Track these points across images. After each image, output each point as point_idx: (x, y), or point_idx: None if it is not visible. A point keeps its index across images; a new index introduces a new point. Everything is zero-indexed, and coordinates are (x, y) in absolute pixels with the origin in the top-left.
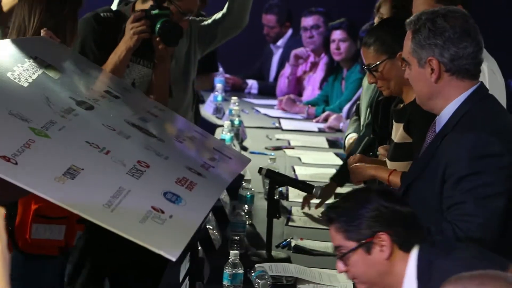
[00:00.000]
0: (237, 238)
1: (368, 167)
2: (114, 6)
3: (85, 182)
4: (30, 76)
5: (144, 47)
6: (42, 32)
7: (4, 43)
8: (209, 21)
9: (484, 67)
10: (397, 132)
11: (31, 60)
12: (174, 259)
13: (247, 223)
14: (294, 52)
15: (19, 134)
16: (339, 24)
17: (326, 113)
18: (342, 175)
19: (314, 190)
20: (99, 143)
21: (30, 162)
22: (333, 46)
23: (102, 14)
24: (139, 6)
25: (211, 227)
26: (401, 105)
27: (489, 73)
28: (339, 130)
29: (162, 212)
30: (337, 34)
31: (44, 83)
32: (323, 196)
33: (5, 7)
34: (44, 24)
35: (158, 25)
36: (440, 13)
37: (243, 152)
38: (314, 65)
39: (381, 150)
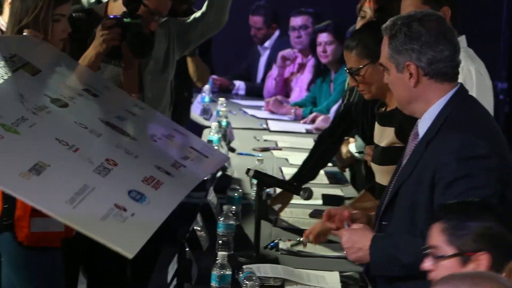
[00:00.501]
0: (225, 239)
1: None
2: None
3: (51, 178)
4: (6, 73)
5: (115, 49)
6: (25, 31)
7: None
8: (188, 20)
9: (472, 69)
10: (382, 136)
11: (9, 58)
12: (131, 257)
13: (235, 224)
14: (281, 53)
15: None
16: (325, 27)
17: (314, 114)
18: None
19: (302, 191)
20: (69, 141)
21: None
22: (319, 49)
23: (74, 15)
24: (111, 5)
25: (199, 228)
26: (383, 109)
27: (477, 75)
28: None
29: (125, 210)
30: (323, 37)
31: (20, 81)
32: (284, 201)
33: None
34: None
35: (129, 35)
36: (416, 17)
37: (230, 154)
38: (301, 67)
39: (367, 150)
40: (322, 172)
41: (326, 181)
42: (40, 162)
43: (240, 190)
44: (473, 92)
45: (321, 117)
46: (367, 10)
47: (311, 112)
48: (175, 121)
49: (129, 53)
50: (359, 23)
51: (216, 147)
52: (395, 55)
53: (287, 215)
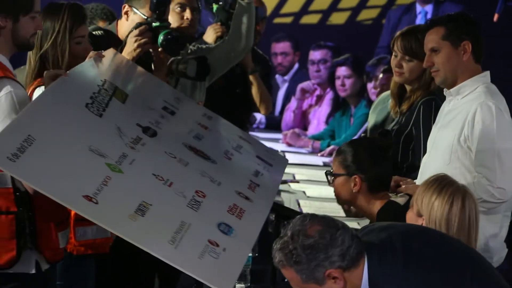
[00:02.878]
0: (242, 271)
1: None
2: None
3: (153, 218)
4: (103, 106)
5: (142, 56)
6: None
7: (79, 69)
8: (215, 46)
9: (491, 104)
10: None
11: (102, 86)
12: None
13: (252, 255)
14: (300, 86)
15: (98, 171)
16: (344, 60)
17: (332, 147)
18: None
19: None
20: (164, 175)
21: (108, 200)
22: (338, 83)
23: (94, 33)
24: (122, 24)
25: None
26: None
27: (496, 110)
28: None
29: (217, 245)
30: (342, 71)
31: (115, 111)
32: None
33: None
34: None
35: (161, 37)
36: None
37: None
38: (319, 99)
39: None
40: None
41: (343, 214)
42: (143, 202)
43: None
44: (493, 127)
45: None
46: (396, 49)
47: (328, 145)
48: None
49: (159, 57)
50: (393, 61)
51: None
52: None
53: None
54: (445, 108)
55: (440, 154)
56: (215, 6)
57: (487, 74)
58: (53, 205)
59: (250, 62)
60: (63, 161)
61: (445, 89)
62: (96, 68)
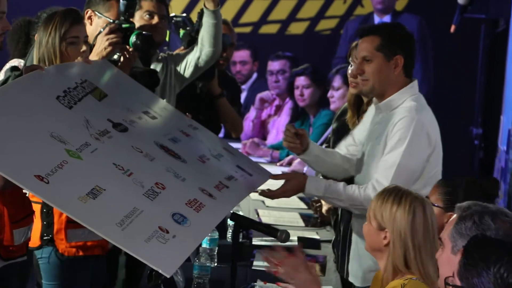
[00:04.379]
0: (200, 281)
1: None
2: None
3: (104, 201)
4: (76, 100)
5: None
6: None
7: (59, 67)
8: (186, 55)
9: (412, 120)
10: None
11: (80, 83)
12: (168, 276)
13: (211, 266)
14: (259, 95)
15: (55, 155)
16: (302, 70)
17: (290, 157)
18: None
19: (279, 233)
20: (125, 165)
21: (60, 182)
22: (297, 92)
23: None
24: (87, 28)
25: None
26: None
27: (415, 128)
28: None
29: (167, 232)
30: (300, 80)
31: (87, 106)
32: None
33: None
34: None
35: (133, 37)
36: (491, 211)
37: None
38: (278, 109)
39: None
40: (297, 215)
41: (302, 223)
42: (97, 186)
43: (216, 231)
44: (404, 142)
45: (297, 160)
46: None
47: (287, 155)
48: None
49: (126, 58)
50: (350, 72)
51: None
52: (457, 236)
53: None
54: (375, 118)
55: (372, 172)
56: (181, 32)
57: (414, 84)
58: (13, 202)
59: (217, 87)
60: (20, 143)
61: (374, 100)
62: (79, 69)
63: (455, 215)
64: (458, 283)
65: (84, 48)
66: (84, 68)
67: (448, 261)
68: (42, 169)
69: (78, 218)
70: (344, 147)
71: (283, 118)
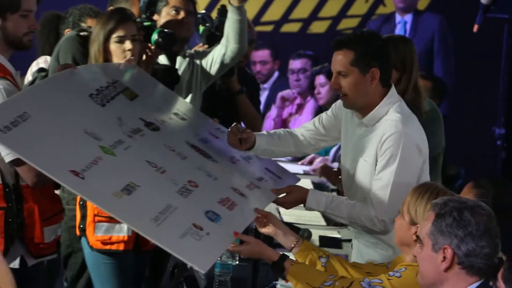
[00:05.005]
0: (222, 279)
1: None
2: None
3: (139, 198)
4: (108, 98)
5: None
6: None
7: (90, 67)
8: (211, 52)
9: (401, 136)
10: None
11: (111, 83)
12: (203, 272)
13: (232, 264)
14: (280, 94)
15: (90, 151)
16: (320, 69)
17: (312, 155)
18: None
19: (300, 232)
20: (158, 163)
21: (95, 177)
22: (316, 91)
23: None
24: None
25: None
26: None
27: (404, 142)
28: None
29: (201, 229)
30: (319, 79)
31: (119, 105)
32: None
33: None
34: None
35: (155, 35)
36: (469, 206)
37: None
38: (300, 107)
39: None
40: (318, 213)
41: (323, 222)
42: (131, 183)
43: None
44: (396, 160)
45: (319, 159)
46: None
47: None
48: None
49: (148, 56)
50: None
51: None
52: (437, 234)
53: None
54: (357, 131)
55: (365, 190)
56: (201, 28)
57: (393, 92)
58: (44, 200)
59: (236, 83)
60: (55, 139)
61: (357, 115)
62: (110, 69)
63: (430, 212)
64: (502, 286)
65: (130, 46)
66: (114, 69)
67: (429, 258)
68: (77, 164)
69: (114, 213)
70: (305, 130)
71: (305, 117)
